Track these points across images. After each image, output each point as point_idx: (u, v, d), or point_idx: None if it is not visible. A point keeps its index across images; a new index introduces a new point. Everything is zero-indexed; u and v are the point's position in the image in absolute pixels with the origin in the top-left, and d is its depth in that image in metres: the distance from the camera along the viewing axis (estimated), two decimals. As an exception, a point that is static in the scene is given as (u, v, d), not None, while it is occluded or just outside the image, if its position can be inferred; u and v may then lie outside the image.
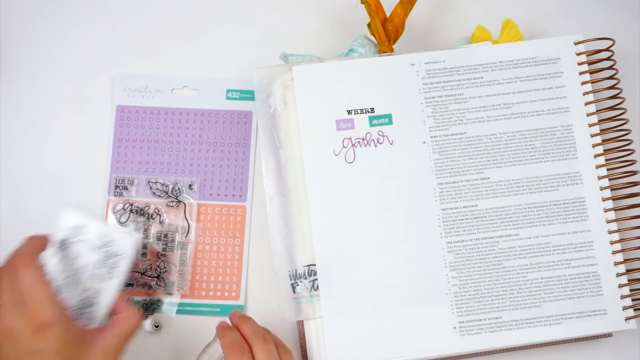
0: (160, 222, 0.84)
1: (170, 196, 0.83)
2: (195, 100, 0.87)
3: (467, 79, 0.82)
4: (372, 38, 0.85)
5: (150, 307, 0.83)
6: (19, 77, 0.88)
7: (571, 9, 0.90)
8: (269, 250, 0.82)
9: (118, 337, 0.70)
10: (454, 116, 0.81)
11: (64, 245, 0.75)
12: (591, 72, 0.83)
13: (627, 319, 0.79)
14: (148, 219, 0.84)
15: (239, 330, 0.75)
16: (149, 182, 0.83)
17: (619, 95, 0.83)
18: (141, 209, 0.83)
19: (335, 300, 0.78)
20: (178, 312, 0.83)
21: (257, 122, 0.83)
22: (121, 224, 0.84)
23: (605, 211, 0.80)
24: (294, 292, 0.78)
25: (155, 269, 0.83)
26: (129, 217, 0.83)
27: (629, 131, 0.83)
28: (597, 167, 0.81)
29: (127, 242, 0.76)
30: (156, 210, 0.84)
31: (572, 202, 0.80)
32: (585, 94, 0.82)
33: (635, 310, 0.80)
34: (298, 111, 0.80)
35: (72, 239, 0.75)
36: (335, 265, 0.78)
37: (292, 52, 0.87)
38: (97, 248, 0.75)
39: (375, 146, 0.80)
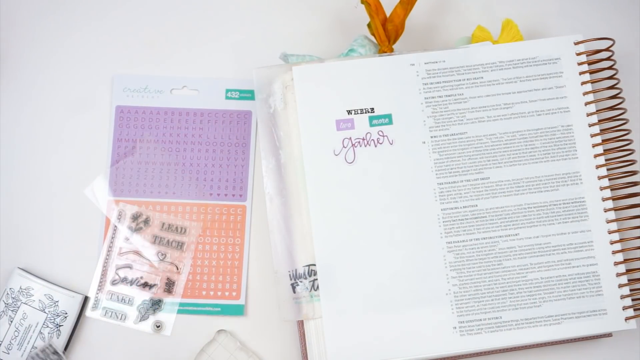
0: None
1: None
2: (194, 100, 0.87)
3: (467, 79, 0.82)
4: (372, 38, 0.85)
5: (151, 307, 0.83)
6: (20, 77, 0.87)
7: (571, 9, 0.90)
8: (269, 250, 0.82)
9: None
10: (454, 116, 0.81)
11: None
12: (591, 72, 0.83)
13: (627, 319, 0.79)
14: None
15: None
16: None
17: (619, 95, 0.83)
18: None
19: (335, 300, 0.78)
20: (179, 312, 0.83)
21: (257, 122, 0.83)
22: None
23: (605, 211, 0.80)
24: (294, 292, 0.78)
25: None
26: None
27: (629, 131, 0.83)
28: (597, 167, 0.81)
29: (70, 302, 0.81)
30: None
31: (572, 202, 0.80)
32: (585, 94, 0.82)
33: (635, 310, 0.80)
34: (298, 111, 0.80)
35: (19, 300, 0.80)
36: (335, 265, 0.78)
37: (292, 52, 0.87)
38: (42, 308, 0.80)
39: (375, 146, 0.80)
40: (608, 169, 0.82)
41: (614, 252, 0.80)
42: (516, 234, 0.80)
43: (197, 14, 0.89)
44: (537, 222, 0.80)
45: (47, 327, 0.81)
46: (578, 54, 0.83)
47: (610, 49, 0.83)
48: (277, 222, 0.79)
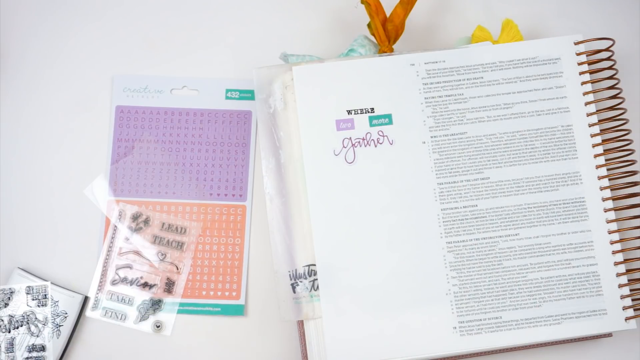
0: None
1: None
2: (194, 100, 0.87)
3: (467, 79, 0.82)
4: (372, 38, 0.85)
5: (151, 307, 0.83)
6: (20, 78, 0.87)
7: (571, 9, 0.90)
8: (269, 250, 0.82)
9: None
10: (454, 116, 0.81)
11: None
12: (591, 72, 0.83)
13: (627, 319, 0.79)
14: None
15: None
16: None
17: (619, 95, 0.83)
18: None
19: (335, 300, 0.78)
20: (179, 312, 0.83)
21: (257, 122, 0.83)
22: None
23: (605, 211, 0.80)
24: (294, 292, 0.78)
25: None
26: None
27: (629, 131, 0.83)
28: (597, 167, 0.81)
29: (70, 302, 0.81)
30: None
31: (572, 202, 0.80)
32: (585, 94, 0.82)
33: (635, 310, 0.80)
34: (298, 111, 0.80)
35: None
36: (335, 265, 0.78)
37: (292, 52, 0.87)
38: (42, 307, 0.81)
39: (375, 146, 0.80)
40: (608, 169, 0.82)
41: (614, 252, 0.80)
42: (516, 234, 0.80)
43: (197, 14, 0.90)
44: (537, 222, 0.80)
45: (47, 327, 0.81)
46: (578, 54, 0.83)
47: (610, 49, 0.83)
48: (277, 222, 0.79)
